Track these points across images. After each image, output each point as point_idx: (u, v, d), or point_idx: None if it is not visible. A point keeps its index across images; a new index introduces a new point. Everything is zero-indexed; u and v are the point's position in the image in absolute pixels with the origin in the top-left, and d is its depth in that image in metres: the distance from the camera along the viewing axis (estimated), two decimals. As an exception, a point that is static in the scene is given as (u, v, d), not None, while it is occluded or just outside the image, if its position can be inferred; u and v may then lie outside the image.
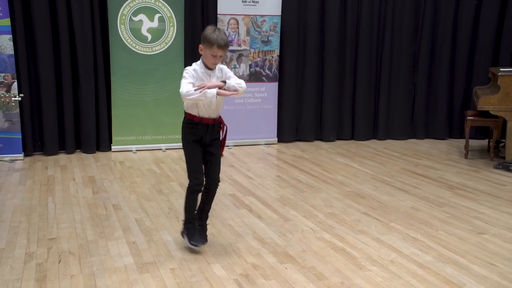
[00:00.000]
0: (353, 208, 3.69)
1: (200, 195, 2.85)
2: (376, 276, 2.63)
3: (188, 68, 2.72)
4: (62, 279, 2.52)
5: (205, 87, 2.56)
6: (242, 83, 2.73)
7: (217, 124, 2.78)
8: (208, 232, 3.15)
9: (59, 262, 2.70)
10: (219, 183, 2.90)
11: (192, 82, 2.64)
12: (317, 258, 2.82)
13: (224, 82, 2.67)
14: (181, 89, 2.62)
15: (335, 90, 5.97)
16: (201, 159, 2.79)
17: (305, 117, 5.96)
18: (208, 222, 2.97)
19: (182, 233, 2.90)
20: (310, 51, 5.83)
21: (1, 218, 3.33)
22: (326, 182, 4.34)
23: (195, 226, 2.87)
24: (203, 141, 2.76)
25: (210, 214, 3.11)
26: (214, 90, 2.56)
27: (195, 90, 2.57)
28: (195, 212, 2.88)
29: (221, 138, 2.85)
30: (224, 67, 2.80)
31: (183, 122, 2.79)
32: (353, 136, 6.14)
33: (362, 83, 6.03)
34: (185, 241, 2.88)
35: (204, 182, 2.83)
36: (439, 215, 3.57)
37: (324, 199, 3.88)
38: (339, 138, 6.09)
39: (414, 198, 3.94)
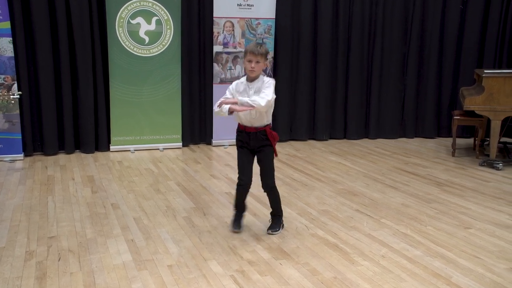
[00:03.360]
0: (346, 205, 3.70)
1: (245, 191, 3.08)
2: (368, 271, 2.63)
3: (234, 82, 3.01)
4: (61, 276, 2.49)
5: (223, 103, 2.83)
6: (257, 100, 2.78)
7: (260, 132, 2.93)
8: (204, 230, 3.16)
9: (59, 260, 2.67)
10: (272, 186, 3.05)
11: (228, 97, 2.94)
12: (311, 254, 2.82)
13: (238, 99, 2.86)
14: None
15: (328, 91, 5.98)
16: (246, 161, 3.00)
17: (298, 117, 5.96)
18: (284, 216, 3.22)
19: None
20: (303, 53, 5.83)
21: (1, 217, 3.29)
22: (319, 180, 4.34)
23: (239, 214, 3.15)
24: (250, 147, 2.98)
25: (208, 211, 3.10)
26: (227, 107, 2.81)
27: (217, 105, 2.85)
28: (243, 204, 3.14)
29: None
30: (267, 79, 2.89)
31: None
32: (345, 135, 6.15)
33: (354, 84, 6.03)
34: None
35: (251, 182, 3.06)
36: (427, 211, 3.58)
37: (317, 197, 3.88)
38: (332, 137, 6.10)
39: (404, 195, 3.95)
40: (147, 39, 5.17)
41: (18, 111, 4.75)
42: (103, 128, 5.21)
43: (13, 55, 4.66)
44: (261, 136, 2.94)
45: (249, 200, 3.74)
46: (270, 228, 3.14)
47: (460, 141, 5.94)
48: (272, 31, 5.60)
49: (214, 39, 5.44)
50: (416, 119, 6.28)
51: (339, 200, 3.80)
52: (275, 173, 3.08)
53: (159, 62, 5.23)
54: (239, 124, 3.00)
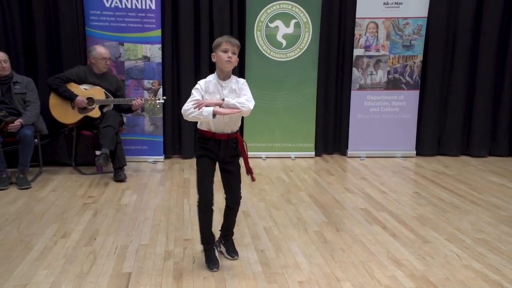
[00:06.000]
0: None
1: (212, 214, 2.84)
2: (541, 321, 2.30)
3: (200, 81, 2.71)
4: (196, 279, 2.72)
5: (203, 104, 2.53)
6: (246, 103, 2.60)
7: (231, 140, 2.73)
8: (337, 247, 3.12)
9: (193, 263, 2.92)
10: (240, 201, 2.90)
11: (198, 99, 2.62)
12: (464, 290, 2.58)
13: (223, 99, 2.58)
14: (183, 107, 2.62)
15: (489, 99, 5.44)
16: (210, 176, 2.76)
17: (449, 129, 5.54)
18: (234, 237, 3.03)
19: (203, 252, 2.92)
20: (459, 56, 5.42)
21: (145, 216, 3.74)
22: (474, 203, 3.95)
23: (212, 248, 2.87)
24: (219, 158, 2.76)
25: (341, 227, 3.04)
26: (211, 109, 2.52)
27: (193, 107, 2.54)
28: (211, 233, 2.87)
29: (243, 155, 2.82)
30: (242, 80, 2.72)
31: (196, 137, 2.79)
32: (511, 152, 5.50)
33: (524, 90, 5.37)
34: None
35: (225, 200, 2.86)
36: None
37: (472, 222, 3.54)
38: (492, 153, 5.54)
39: None
40: (284, 42, 5.36)
41: (161, 115, 5.37)
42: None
43: (161, 61, 5.28)
44: (232, 145, 2.73)
45: (387, 218, 3.61)
46: (233, 252, 2.96)
47: None
48: (423, 31, 5.31)
49: (355, 41, 5.38)
50: None
51: (502, 230, 3.40)
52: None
53: (295, 66, 5.38)
54: (203, 131, 2.70)
